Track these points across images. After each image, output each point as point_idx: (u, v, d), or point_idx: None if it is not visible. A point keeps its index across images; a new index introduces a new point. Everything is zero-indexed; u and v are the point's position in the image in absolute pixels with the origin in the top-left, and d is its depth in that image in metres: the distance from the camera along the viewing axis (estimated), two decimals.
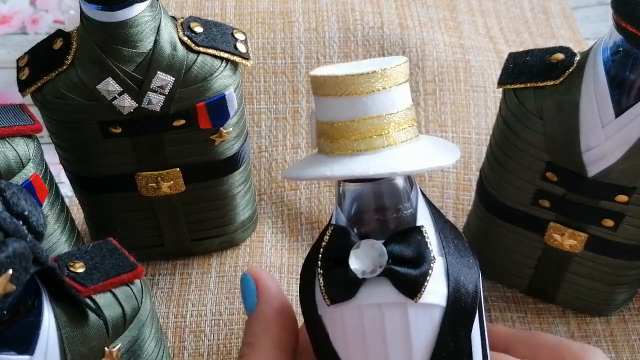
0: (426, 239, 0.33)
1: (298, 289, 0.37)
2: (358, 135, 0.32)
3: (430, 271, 0.33)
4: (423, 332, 0.34)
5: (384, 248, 0.32)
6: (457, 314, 0.34)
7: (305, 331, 0.36)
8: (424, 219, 0.34)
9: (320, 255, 0.34)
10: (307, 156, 0.35)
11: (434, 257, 0.33)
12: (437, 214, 0.35)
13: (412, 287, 0.33)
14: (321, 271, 0.33)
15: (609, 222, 0.47)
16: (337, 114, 0.32)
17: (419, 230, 0.33)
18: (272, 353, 0.37)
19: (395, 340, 0.34)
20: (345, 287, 0.33)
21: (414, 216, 0.34)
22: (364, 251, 0.32)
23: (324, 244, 0.34)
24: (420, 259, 0.33)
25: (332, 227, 0.34)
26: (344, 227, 0.33)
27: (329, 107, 0.32)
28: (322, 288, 0.33)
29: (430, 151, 0.33)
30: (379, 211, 0.34)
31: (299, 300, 0.36)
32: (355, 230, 0.34)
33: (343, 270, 0.33)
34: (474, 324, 0.34)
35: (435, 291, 0.33)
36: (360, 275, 0.32)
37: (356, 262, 0.32)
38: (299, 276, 0.36)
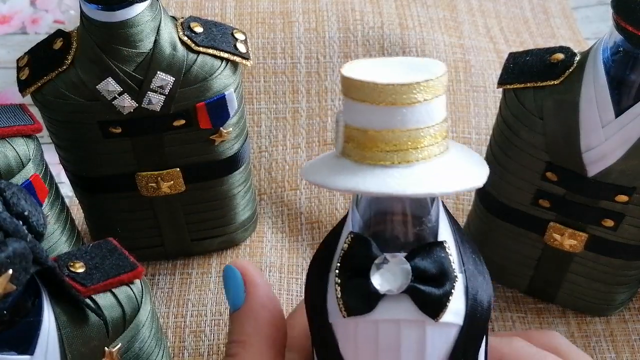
0: (449, 256, 0.32)
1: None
2: (392, 147, 0.30)
3: (452, 290, 0.32)
4: (437, 350, 0.33)
5: (409, 266, 0.31)
6: (472, 331, 0.33)
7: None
8: (445, 233, 0.33)
9: (338, 264, 0.32)
10: (326, 156, 0.33)
11: (456, 275, 0.32)
12: (456, 227, 0.34)
13: (434, 307, 0.31)
14: (339, 280, 0.32)
15: (609, 222, 0.47)
16: (372, 122, 0.30)
17: (442, 245, 0.32)
18: (265, 352, 0.36)
19: (408, 356, 0.33)
20: (364, 300, 0.32)
21: (435, 229, 0.33)
22: (388, 268, 0.31)
23: (342, 252, 0.32)
24: (444, 277, 0.32)
25: (351, 235, 0.32)
26: (364, 236, 0.32)
27: (363, 113, 0.30)
28: (339, 299, 0.32)
29: (462, 167, 0.31)
30: (401, 221, 0.33)
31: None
32: (370, 235, 0.33)
33: (363, 282, 0.31)
34: (483, 339, 0.34)
35: (455, 310, 0.32)
36: (383, 292, 0.31)
37: (380, 280, 0.31)
38: (306, 278, 0.35)
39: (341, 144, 0.32)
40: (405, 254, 0.31)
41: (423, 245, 0.32)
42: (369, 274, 0.31)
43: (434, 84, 0.30)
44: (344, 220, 0.34)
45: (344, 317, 0.32)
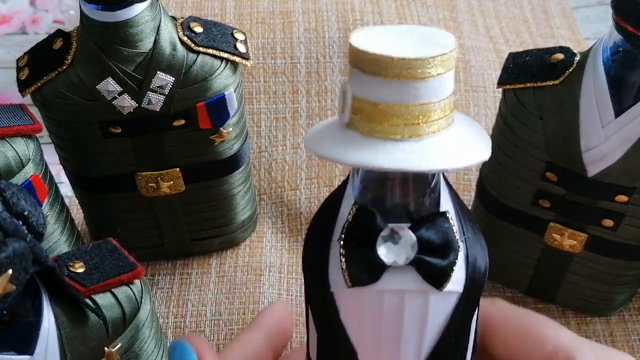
0: (452, 226, 0.32)
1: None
2: (404, 120, 0.30)
3: (456, 261, 0.32)
4: (438, 316, 0.33)
5: (414, 238, 0.31)
6: (470, 296, 0.34)
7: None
8: (447, 202, 0.33)
9: (343, 235, 0.32)
10: (330, 125, 0.33)
11: (459, 245, 0.32)
12: (454, 196, 0.34)
13: (438, 278, 0.32)
14: (343, 251, 0.32)
15: (609, 222, 0.47)
16: (384, 96, 0.30)
17: (445, 216, 0.32)
18: None
19: (411, 323, 0.33)
20: (369, 271, 0.32)
21: (436, 199, 0.33)
22: (394, 240, 0.31)
23: (346, 223, 0.32)
24: (448, 248, 0.32)
25: (355, 206, 0.32)
26: (368, 208, 0.32)
27: (374, 86, 0.30)
28: (345, 270, 0.32)
29: (468, 141, 0.31)
30: (404, 191, 0.33)
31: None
32: (372, 204, 0.33)
33: (369, 253, 0.31)
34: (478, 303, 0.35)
35: (457, 279, 0.33)
36: (389, 264, 0.31)
37: (386, 251, 0.31)
38: (304, 247, 0.35)
39: (348, 115, 0.31)
40: (409, 224, 0.32)
41: (427, 216, 0.32)
42: (374, 245, 0.31)
43: (447, 57, 0.29)
44: (341, 187, 0.34)
45: (349, 287, 0.32)
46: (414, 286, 0.32)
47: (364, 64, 0.29)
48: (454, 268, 0.32)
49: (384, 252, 0.31)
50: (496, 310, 0.42)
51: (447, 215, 0.32)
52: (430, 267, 0.32)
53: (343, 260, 0.32)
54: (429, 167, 0.30)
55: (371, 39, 0.30)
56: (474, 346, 0.37)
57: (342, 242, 0.32)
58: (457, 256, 0.32)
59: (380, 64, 0.29)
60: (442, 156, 0.30)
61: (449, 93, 0.30)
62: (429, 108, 0.30)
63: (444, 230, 0.32)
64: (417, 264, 0.32)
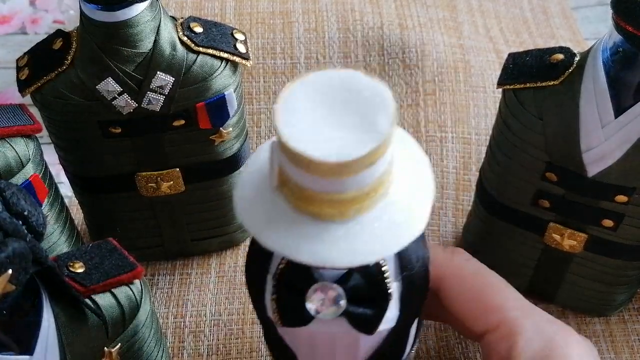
0: (385, 275, 0.31)
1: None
2: (331, 205, 0.28)
3: (387, 307, 0.32)
4: (370, 346, 0.34)
5: (343, 295, 0.31)
6: (406, 319, 0.34)
7: None
8: None
9: (274, 282, 0.32)
10: (262, 179, 0.30)
11: (391, 293, 0.32)
12: None
13: (368, 327, 0.32)
14: (274, 296, 0.32)
15: (609, 223, 0.47)
16: (309, 185, 0.27)
17: (377, 265, 0.31)
18: None
19: (342, 352, 0.34)
20: (299, 318, 0.32)
21: None
22: (323, 297, 0.31)
23: (278, 270, 0.32)
24: (378, 297, 0.32)
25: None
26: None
27: (302, 176, 0.27)
28: (275, 314, 0.32)
29: (402, 212, 0.29)
30: None
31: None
32: None
33: (298, 303, 0.31)
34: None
35: (388, 319, 0.32)
36: (318, 317, 0.31)
37: (315, 306, 0.31)
38: (245, 272, 0.35)
39: (276, 181, 0.29)
40: (342, 273, 0.31)
41: (359, 268, 0.31)
42: (304, 293, 0.31)
43: (381, 146, 0.26)
44: None
45: (280, 326, 0.33)
46: (344, 330, 0.32)
47: (287, 152, 0.26)
48: (383, 315, 0.32)
49: (314, 307, 0.31)
50: (452, 269, 0.42)
51: (381, 264, 0.31)
52: (360, 317, 0.31)
53: (274, 305, 0.32)
54: (351, 263, 0.28)
55: (299, 114, 0.27)
56: (416, 334, 0.37)
57: (273, 287, 0.32)
58: (387, 305, 0.32)
59: (302, 161, 0.26)
60: (369, 244, 0.28)
61: (385, 168, 0.28)
62: (360, 194, 0.28)
63: (374, 282, 0.31)
64: (348, 316, 0.31)
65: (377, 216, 0.28)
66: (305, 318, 0.32)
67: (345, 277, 0.31)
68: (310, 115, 0.27)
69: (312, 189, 0.27)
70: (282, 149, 0.27)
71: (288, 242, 0.28)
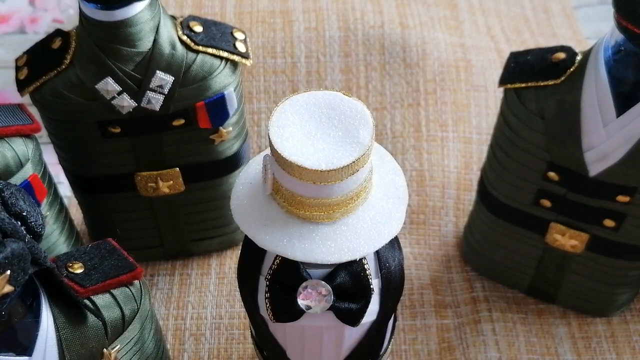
0: (367, 272, 0.35)
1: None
2: (319, 209, 0.32)
3: (369, 302, 0.35)
4: (354, 338, 0.38)
5: (331, 292, 0.34)
6: (386, 314, 0.37)
7: None
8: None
9: (268, 277, 0.35)
10: (256, 186, 0.35)
11: (372, 288, 0.35)
12: None
13: (352, 319, 0.36)
14: (268, 294, 0.35)
15: (610, 223, 0.47)
16: (301, 192, 0.32)
17: (360, 263, 0.35)
18: None
19: (329, 343, 0.38)
20: (290, 313, 0.35)
21: None
22: (313, 293, 0.34)
23: (271, 269, 0.35)
24: (361, 293, 0.35)
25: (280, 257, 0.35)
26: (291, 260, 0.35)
27: (292, 183, 0.32)
28: (268, 310, 0.36)
29: (383, 213, 0.34)
30: None
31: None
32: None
33: (290, 299, 0.35)
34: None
35: (371, 312, 0.36)
36: (308, 311, 0.35)
37: (305, 302, 0.34)
38: (237, 271, 0.38)
39: (270, 188, 0.33)
40: (328, 271, 0.34)
41: (344, 264, 0.34)
42: (296, 290, 0.34)
43: (364, 156, 0.31)
44: None
45: (273, 322, 0.36)
46: (331, 323, 0.36)
47: (281, 162, 0.31)
48: (366, 309, 0.35)
49: (304, 303, 0.35)
50: None
51: (363, 262, 0.35)
52: (345, 311, 0.35)
53: (267, 302, 0.36)
54: (339, 259, 0.33)
55: (290, 129, 0.32)
56: (392, 330, 0.41)
57: (267, 283, 0.35)
58: (369, 299, 0.35)
59: (295, 169, 0.31)
60: (354, 242, 0.33)
61: (367, 175, 0.32)
62: (345, 198, 0.32)
63: (358, 278, 0.35)
64: (334, 310, 0.35)
65: (360, 218, 0.33)
66: (296, 313, 0.35)
67: (332, 275, 0.34)
68: (300, 130, 0.32)
69: (303, 194, 0.32)
70: (277, 160, 0.31)
71: (283, 242, 0.33)
